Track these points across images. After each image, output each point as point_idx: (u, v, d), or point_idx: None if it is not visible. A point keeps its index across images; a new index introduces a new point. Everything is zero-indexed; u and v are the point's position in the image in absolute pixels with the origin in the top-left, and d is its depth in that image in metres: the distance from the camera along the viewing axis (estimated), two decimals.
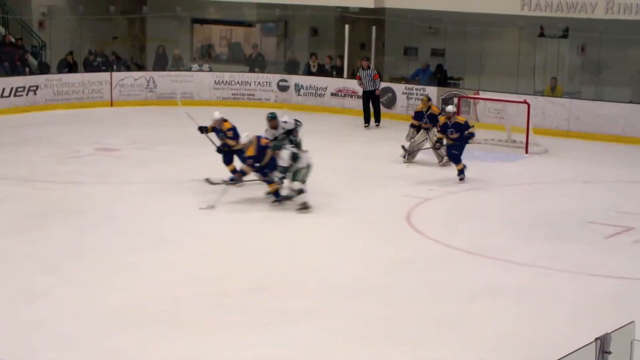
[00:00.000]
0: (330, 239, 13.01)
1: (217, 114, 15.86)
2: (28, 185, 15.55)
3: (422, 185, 16.10)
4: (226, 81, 25.27)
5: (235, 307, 10.15)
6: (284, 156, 14.22)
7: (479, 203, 15.44)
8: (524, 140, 19.50)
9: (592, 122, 21.21)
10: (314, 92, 24.57)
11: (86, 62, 25.47)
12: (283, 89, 24.97)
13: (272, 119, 15.90)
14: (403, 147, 17.65)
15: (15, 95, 23.45)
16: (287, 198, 14.39)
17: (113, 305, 10.13)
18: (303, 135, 16.16)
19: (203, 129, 15.95)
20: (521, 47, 23.47)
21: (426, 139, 18.04)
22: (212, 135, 15.92)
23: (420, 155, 17.96)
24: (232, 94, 25.17)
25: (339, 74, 24.72)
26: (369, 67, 22.10)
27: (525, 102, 19.95)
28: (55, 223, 13.39)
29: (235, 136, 15.34)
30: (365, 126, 22.10)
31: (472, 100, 21.66)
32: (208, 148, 16.10)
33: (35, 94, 23.79)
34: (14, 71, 24.35)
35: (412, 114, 19.05)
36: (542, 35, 24.24)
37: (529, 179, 17.20)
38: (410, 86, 23.54)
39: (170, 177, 15.85)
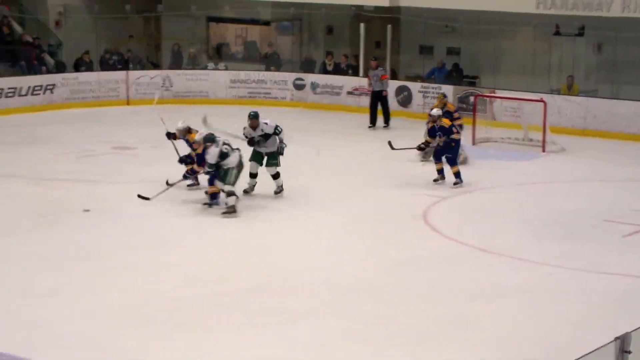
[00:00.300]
0: (331, 238, 12.88)
1: (180, 124, 15.24)
2: (39, 185, 15.55)
3: (436, 184, 15.96)
4: (242, 80, 25.25)
5: (235, 307, 10.10)
6: (211, 152, 13.67)
7: (494, 202, 15.30)
8: (541, 138, 19.36)
9: (609, 121, 21.03)
10: (330, 90, 24.50)
11: (102, 61, 25.52)
12: (299, 87, 24.91)
13: (253, 117, 14.71)
14: (389, 142, 17.00)
15: (32, 94, 23.54)
16: (216, 203, 14.00)
17: (113, 305, 10.11)
18: (289, 137, 15.41)
19: (170, 135, 15.46)
20: (537, 45, 23.33)
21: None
22: (181, 142, 15.38)
23: None
24: (248, 93, 25.13)
25: (355, 73, 24.63)
26: (377, 67, 22.03)
27: (541, 100, 19.80)
28: (59, 223, 13.37)
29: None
30: (370, 127, 21.91)
31: (488, 99, 21.51)
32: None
33: (52, 92, 23.88)
34: (31, 70, 24.44)
35: (428, 111, 18.96)
36: (557, 33, 24.02)
37: (545, 178, 17.05)
38: (426, 85, 23.44)
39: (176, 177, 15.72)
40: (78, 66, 25.01)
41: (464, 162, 17.32)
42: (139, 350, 8.98)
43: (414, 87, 23.52)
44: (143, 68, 25.90)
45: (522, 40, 23.92)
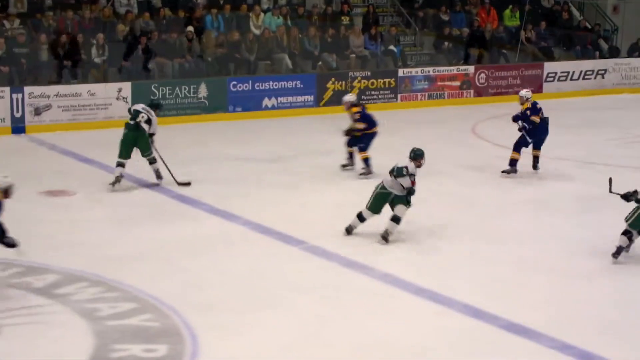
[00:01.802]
0: None
1: (349, 96, 15.45)
2: (587, 168, 15.93)
3: None
4: None
5: None
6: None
7: None
8: None
9: None
10: None
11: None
12: None
13: None
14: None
15: (583, 79, 24.13)
16: None
17: None
18: None
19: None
20: None
21: None
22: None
23: None
24: None
25: None
26: None
27: None
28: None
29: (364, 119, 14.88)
30: None
31: None
32: None
33: (603, 77, 24.29)
34: (585, 55, 25.00)
35: None
36: None
37: None
38: None
39: None
40: (632, 52, 25.17)
41: None
42: None
43: None
44: None
45: None
